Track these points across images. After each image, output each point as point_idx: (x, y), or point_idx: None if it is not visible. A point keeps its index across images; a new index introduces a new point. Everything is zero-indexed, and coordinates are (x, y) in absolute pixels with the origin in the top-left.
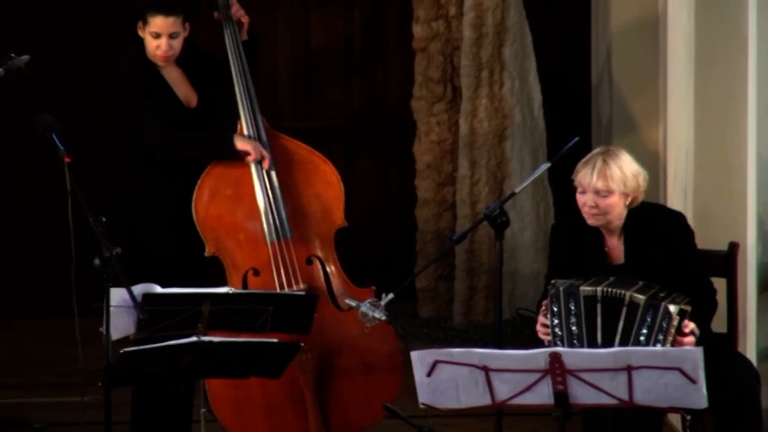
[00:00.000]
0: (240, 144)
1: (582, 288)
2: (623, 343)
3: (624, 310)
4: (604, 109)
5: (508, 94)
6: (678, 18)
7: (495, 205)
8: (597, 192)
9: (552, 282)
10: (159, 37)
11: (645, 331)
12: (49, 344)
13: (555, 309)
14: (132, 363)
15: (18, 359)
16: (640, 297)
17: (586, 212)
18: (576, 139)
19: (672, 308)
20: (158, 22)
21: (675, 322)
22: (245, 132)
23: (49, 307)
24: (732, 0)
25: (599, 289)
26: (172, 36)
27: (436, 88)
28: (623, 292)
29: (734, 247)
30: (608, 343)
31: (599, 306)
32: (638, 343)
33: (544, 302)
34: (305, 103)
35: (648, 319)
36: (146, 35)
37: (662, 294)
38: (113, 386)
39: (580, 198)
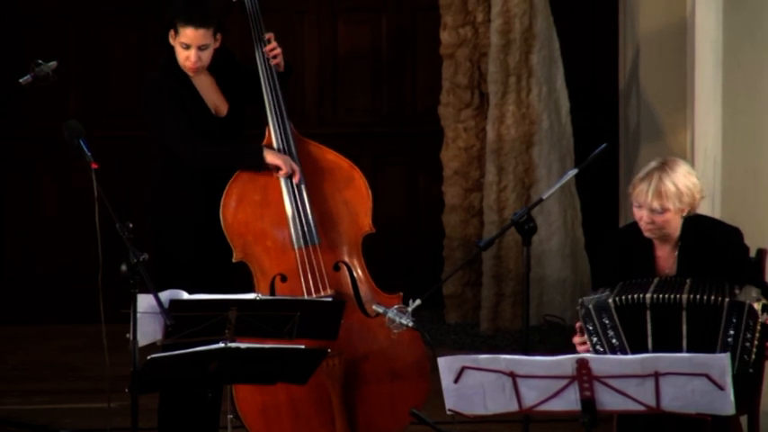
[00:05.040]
0: (270, 158)
1: (612, 300)
2: (697, 347)
3: (684, 314)
4: (632, 115)
5: (536, 100)
6: (706, 24)
7: (522, 211)
8: (653, 210)
9: (580, 301)
10: (189, 48)
11: (732, 332)
12: (76, 350)
13: (590, 327)
14: (159, 369)
15: (45, 365)
16: (717, 299)
17: (643, 227)
18: (604, 145)
19: (756, 305)
20: (188, 34)
21: (761, 318)
22: (273, 139)
23: (76, 313)
24: (760, 6)
25: (647, 296)
26: (201, 48)
27: (464, 95)
28: (677, 296)
29: (762, 254)
30: (671, 349)
31: (648, 313)
32: (725, 345)
33: (578, 324)
34: (332, 109)
35: (734, 320)
36: (176, 44)
37: (736, 290)
38: (140, 392)
39: (637, 212)
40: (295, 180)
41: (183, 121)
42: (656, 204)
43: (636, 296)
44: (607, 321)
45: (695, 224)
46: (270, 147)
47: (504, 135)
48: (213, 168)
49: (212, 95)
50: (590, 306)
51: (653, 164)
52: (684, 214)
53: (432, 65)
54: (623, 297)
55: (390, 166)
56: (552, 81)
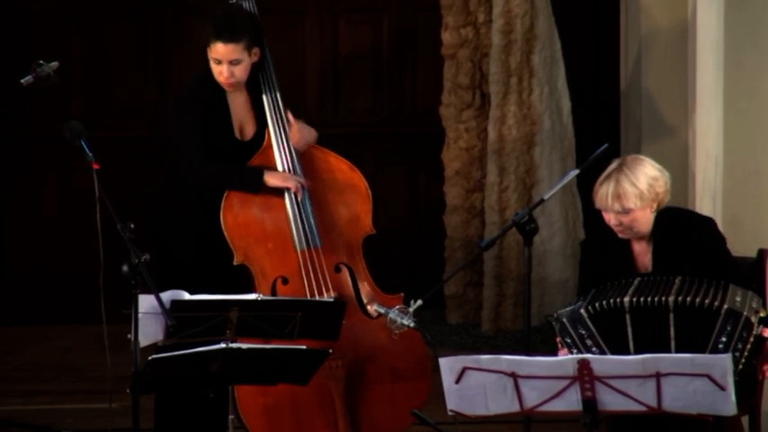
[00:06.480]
0: (271, 180)
1: (584, 309)
2: (686, 349)
3: (672, 316)
4: (633, 115)
5: (537, 100)
6: (707, 24)
7: (523, 212)
8: (616, 212)
9: (554, 315)
10: (220, 63)
11: (724, 339)
12: (77, 350)
13: (568, 340)
14: (160, 369)
15: (47, 366)
16: (714, 303)
17: (614, 229)
18: (606, 145)
19: (753, 318)
20: (219, 49)
21: (756, 331)
22: (273, 142)
23: (77, 314)
24: (761, 6)
25: (626, 300)
26: (233, 63)
27: (465, 95)
28: (662, 298)
29: (763, 254)
30: (656, 351)
31: (627, 317)
32: (716, 350)
33: (558, 339)
34: (333, 109)
35: (728, 328)
36: (210, 59)
37: (737, 297)
38: (141, 393)
39: (604, 216)
40: (299, 196)
41: (196, 142)
42: (617, 206)
43: (612, 301)
44: (583, 332)
45: (667, 217)
46: (270, 149)
47: (505, 135)
48: (210, 188)
49: (242, 115)
50: (564, 319)
51: (612, 166)
52: (654, 209)
53: (433, 65)
54: (597, 304)
55: (391, 167)
56: (554, 81)
